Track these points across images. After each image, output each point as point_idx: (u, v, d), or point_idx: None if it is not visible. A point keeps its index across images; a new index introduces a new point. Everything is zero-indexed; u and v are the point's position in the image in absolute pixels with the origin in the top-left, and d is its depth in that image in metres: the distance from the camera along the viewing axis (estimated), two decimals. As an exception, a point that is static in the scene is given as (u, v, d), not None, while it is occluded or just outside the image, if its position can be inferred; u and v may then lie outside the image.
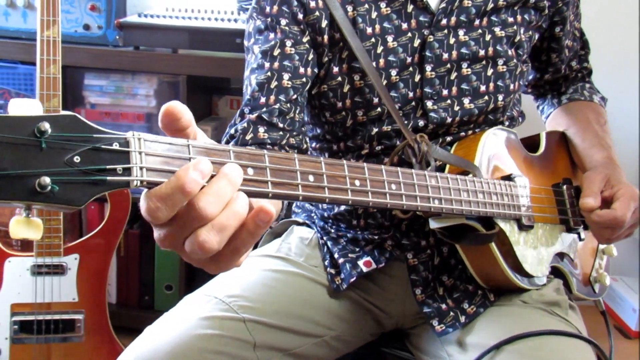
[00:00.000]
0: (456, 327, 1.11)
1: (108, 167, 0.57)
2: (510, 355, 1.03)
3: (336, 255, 1.19)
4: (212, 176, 0.61)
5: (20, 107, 0.54)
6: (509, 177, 1.09)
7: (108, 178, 0.57)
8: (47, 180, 0.53)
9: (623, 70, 1.39)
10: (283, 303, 1.12)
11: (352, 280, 1.15)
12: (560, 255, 1.20)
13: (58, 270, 1.75)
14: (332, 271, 1.19)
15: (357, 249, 1.20)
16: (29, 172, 0.53)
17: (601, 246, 1.32)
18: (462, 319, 1.12)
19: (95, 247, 1.80)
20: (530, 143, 1.26)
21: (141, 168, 0.58)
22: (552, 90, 1.44)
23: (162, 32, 1.95)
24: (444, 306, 1.13)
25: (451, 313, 1.12)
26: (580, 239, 1.23)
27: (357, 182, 0.76)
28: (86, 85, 2.07)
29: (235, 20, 1.98)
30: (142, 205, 0.60)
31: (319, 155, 1.26)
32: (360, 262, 1.17)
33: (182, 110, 0.61)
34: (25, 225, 0.55)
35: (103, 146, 0.57)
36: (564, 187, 1.21)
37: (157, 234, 0.63)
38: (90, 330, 1.80)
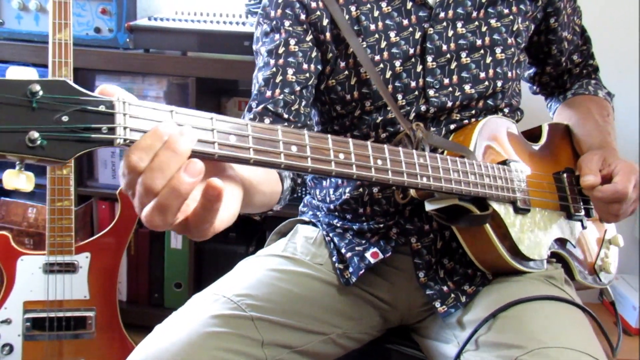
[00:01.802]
0: (458, 308, 1.14)
1: (93, 125, 0.61)
2: (505, 321, 1.05)
3: (343, 250, 1.22)
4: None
5: (16, 72, 0.59)
6: (504, 163, 1.11)
7: (93, 135, 0.61)
8: (36, 135, 0.58)
9: (623, 70, 1.40)
10: (290, 302, 1.14)
11: (360, 272, 1.17)
12: (562, 242, 1.21)
13: (70, 268, 1.78)
14: (341, 266, 1.21)
15: (364, 241, 1.22)
16: (20, 127, 0.58)
17: (607, 236, 1.33)
18: (463, 299, 1.15)
19: (106, 246, 1.83)
20: (531, 135, 1.28)
21: (124, 128, 0.62)
22: (557, 87, 1.47)
23: (172, 35, 1.97)
24: (445, 288, 1.16)
25: (452, 295, 1.15)
26: (583, 227, 1.25)
27: (341, 155, 0.79)
28: (97, 87, 2.08)
29: (244, 24, 2.00)
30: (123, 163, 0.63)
31: None
32: (367, 254, 1.19)
33: (113, 89, 0.64)
34: (17, 176, 0.61)
35: (90, 108, 0.61)
36: (564, 175, 1.23)
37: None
38: (101, 327, 1.83)
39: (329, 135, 0.79)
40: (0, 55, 2.06)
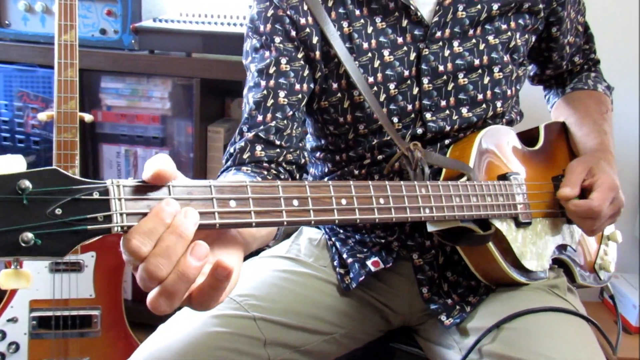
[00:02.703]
0: (463, 318, 1.14)
1: (89, 216, 0.58)
2: (509, 333, 1.05)
3: (345, 256, 1.22)
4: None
5: (3, 165, 0.55)
6: (504, 176, 1.09)
7: (89, 227, 0.58)
8: (29, 235, 0.54)
9: (623, 70, 1.39)
10: (292, 302, 1.15)
11: (360, 279, 1.17)
12: (563, 247, 1.20)
13: (75, 267, 1.79)
14: (342, 271, 1.21)
15: (365, 250, 1.22)
16: (12, 228, 0.54)
17: (606, 232, 1.32)
18: (468, 309, 1.14)
19: (112, 245, 1.83)
20: (529, 137, 1.26)
21: (121, 214, 0.59)
22: (557, 84, 1.44)
23: (177, 37, 1.98)
24: (449, 301, 1.16)
25: (457, 307, 1.15)
26: None
27: (343, 201, 0.77)
28: (103, 88, 2.10)
29: (248, 25, 2.01)
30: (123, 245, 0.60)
31: (323, 165, 1.28)
32: (369, 262, 1.19)
33: (168, 169, 0.62)
34: (14, 277, 0.59)
35: (83, 197, 0.57)
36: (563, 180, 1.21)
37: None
38: (106, 326, 1.84)
39: (330, 182, 0.76)
40: (7, 57, 2.08)
